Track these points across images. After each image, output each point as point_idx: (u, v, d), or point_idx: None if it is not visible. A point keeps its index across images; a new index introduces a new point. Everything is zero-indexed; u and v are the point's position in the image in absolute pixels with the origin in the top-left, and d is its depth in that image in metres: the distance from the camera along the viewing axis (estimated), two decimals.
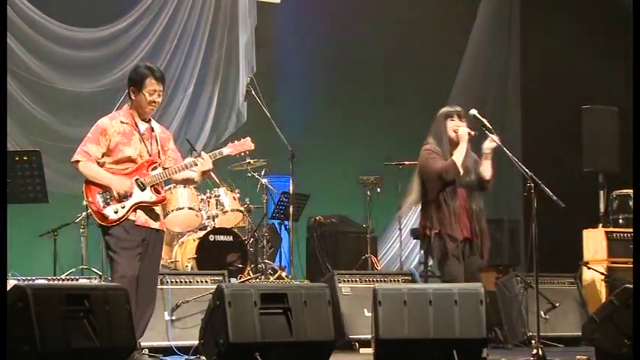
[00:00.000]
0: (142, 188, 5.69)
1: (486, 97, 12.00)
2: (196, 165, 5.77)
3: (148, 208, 5.71)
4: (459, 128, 6.17)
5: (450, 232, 6.08)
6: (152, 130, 5.83)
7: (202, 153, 5.90)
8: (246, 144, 6.00)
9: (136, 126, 5.75)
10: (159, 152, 5.80)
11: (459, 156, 6.09)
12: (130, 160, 5.70)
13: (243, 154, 6.05)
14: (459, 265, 6.10)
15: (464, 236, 6.12)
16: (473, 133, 6.16)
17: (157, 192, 5.77)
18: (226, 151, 5.93)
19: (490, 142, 6.16)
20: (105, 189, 5.63)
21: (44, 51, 9.80)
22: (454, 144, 6.17)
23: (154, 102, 5.73)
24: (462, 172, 6.13)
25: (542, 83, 11.69)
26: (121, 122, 5.74)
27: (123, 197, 5.61)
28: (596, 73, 11.01)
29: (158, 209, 5.80)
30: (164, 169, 5.77)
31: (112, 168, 5.69)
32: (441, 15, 12.04)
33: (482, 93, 12.02)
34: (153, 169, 5.74)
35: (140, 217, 5.66)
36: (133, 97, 5.76)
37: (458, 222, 6.08)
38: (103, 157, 5.69)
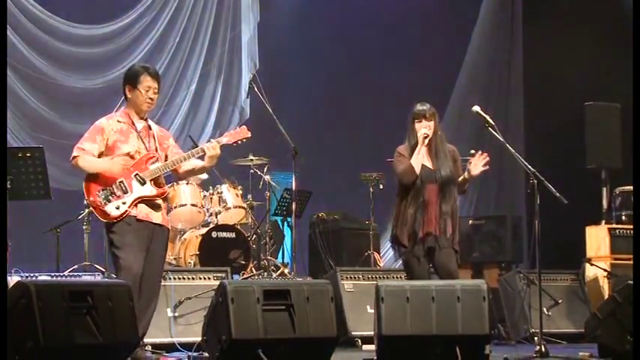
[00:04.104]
0: (142, 183, 5.69)
1: (489, 94, 12.00)
2: (204, 152, 5.78)
3: (149, 203, 5.71)
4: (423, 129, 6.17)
5: (402, 234, 6.09)
6: (149, 128, 5.85)
7: (206, 144, 5.90)
8: (243, 132, 5.98)
9: (133, 124, 5.77)
10: (156, 148, 5.81)
11: (415, 159, 6.11)
12: (129, 156, 5.71)
13: (241, 142, 5.99)
14: (419, 265, 6.09)
15: (427, 231, 6.08)
16: (430, 134, 6.12)
17: (158, 186, 5.78)
18: (224, 140, 5.92)
19: (475, 169, 6.13)
20: (105, 186, 5.63)
21: (47, 48, 9.81)
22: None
23: (150, 99, 5.75)
24: (426, 171, 6.11)
25: (545, 80, 11.68)
26: (118, 121, 5.77)
27: (123, 191, 5.62)
28: (599, 69, 11.00)
29: (160, 203, 5.79)
30: (163, 163, 5.78)
31: None
32: (444, 11, 12.03)
33: (485, 89, 12.02)
34: (151, 164, 5.75)
35: (141, 212, 5.67)
36: (129, 96, 5.79)
37: (424, 219, 6.06)
38: (100, 156, 5.70)
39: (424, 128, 6.14)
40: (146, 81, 5.73)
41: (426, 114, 6.19)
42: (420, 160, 6.12)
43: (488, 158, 6.12)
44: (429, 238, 6.08)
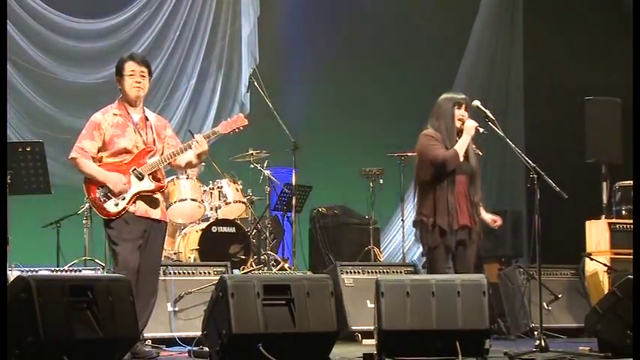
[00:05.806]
0: (140, 178, 5.67)
1: (489, 88, 12.00)
2: (191, 148, 5.74)
3: (148, 197, 5.70)
4: (466, 120, 6.13)
5: (443, 222, 6.01)
6: (146, 119, 5.81)
7: (196, 135, 5.84)
8: (239, 120, 5.88)
9: (129, 116, 5.73)
10: (154, 140, 5.77)
11: (461, 147, 6.05)
12: (126, 151, 5.68)
13: (238, 130, 5.90)
14: (446, 258, 6.07)
15: (463, 223, 6.06)
16: (482, 130, 6.13)
17: (156, 179, 5.75)
18: (219, 129, 5.87)
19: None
20: (103, 183, 5.63)
21: (47, 42, 9.81)
22: (457, 132, 6.13)
23: (137, 82, 5.70)
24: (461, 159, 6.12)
25: (545, 74, 11.68)
26: (114, 114, 5.73)
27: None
28: (599, 64, 10.99)
29: (159, 197, 5.78)
30: (161, 156, 5.76)
31: (109, 161, 5.68)
32: (445, 5, 12.02)
33: (485, 84, 12.02)
34: (150, 158, 5.72)
35: (140, 208, 5.65)
36: (119, 86, 5.79)
37: (457, 209, 6.04)
38: (99, 151, 5.68)
39: (472, 120, 6.11)
40: (129, 66, 5.71)
41: (467, 102, 6.19)
42: (465, 148, 6.06)
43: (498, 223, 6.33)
44: (463, 230, 6.06)
